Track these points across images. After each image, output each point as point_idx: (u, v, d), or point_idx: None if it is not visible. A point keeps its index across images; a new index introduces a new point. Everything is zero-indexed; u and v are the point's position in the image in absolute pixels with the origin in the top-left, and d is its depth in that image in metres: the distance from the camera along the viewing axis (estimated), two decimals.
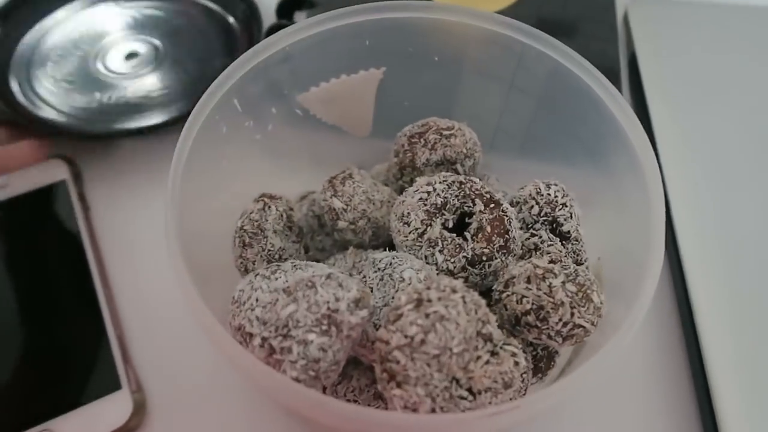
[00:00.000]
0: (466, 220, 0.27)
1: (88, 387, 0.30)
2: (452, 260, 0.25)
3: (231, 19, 0.45)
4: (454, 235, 0.26)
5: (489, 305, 0.23)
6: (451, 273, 0.25)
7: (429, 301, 0.20)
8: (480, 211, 0.26)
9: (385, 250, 0.27)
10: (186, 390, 0.30)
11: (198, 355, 0.31)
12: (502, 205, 0.26)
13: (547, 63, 0.28)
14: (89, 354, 0.31)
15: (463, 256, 0.25)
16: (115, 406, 0.29)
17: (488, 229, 0.26)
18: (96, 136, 0.38)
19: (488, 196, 0.26)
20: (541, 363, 0.27)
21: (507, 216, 0.26)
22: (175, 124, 0.38)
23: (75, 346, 0.31)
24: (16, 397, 0.29)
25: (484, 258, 0.25)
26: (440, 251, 0.25)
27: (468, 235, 0.26)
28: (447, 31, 0.30)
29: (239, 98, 0.27)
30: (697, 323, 0.31)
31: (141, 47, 0.43)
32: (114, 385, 0.30)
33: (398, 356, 0.19)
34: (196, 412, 0.30)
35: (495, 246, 0.25)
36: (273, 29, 0.42)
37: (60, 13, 0.44)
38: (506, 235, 0.26)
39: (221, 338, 0.19)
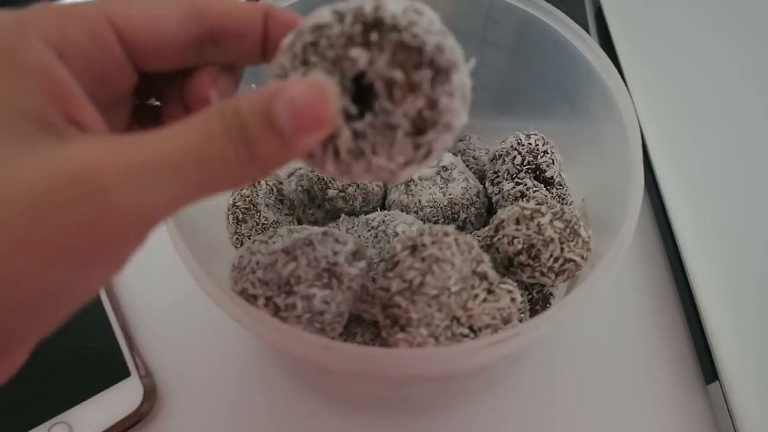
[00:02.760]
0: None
1: (98, 377, 0.30)
2: None
3: None
4: None
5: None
6: None
7: (423, 245, 0.21)
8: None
9: None
10: (196, 373, 0.31)
11: (206, 337, 0.32)
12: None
13: (516, 13, 0.28)
14: (96, 345, 0.31)
15: None
16: (126, 393, 0.30)
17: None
18: None
19: None
20: (537, 305, 0.27)
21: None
22: None
23: (81, 339, 0.31)
24: (29, 393, 0.30)
25: None
26: None
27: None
28: None
29: None
30: (683, 256, 0.32)
31: None
32: (123, 373, 0.30)
33: (399, 301, 0.20)
34: (207, 394, 0.30)
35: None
36: None
37: None
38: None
39: (226, 300, 0.20)
